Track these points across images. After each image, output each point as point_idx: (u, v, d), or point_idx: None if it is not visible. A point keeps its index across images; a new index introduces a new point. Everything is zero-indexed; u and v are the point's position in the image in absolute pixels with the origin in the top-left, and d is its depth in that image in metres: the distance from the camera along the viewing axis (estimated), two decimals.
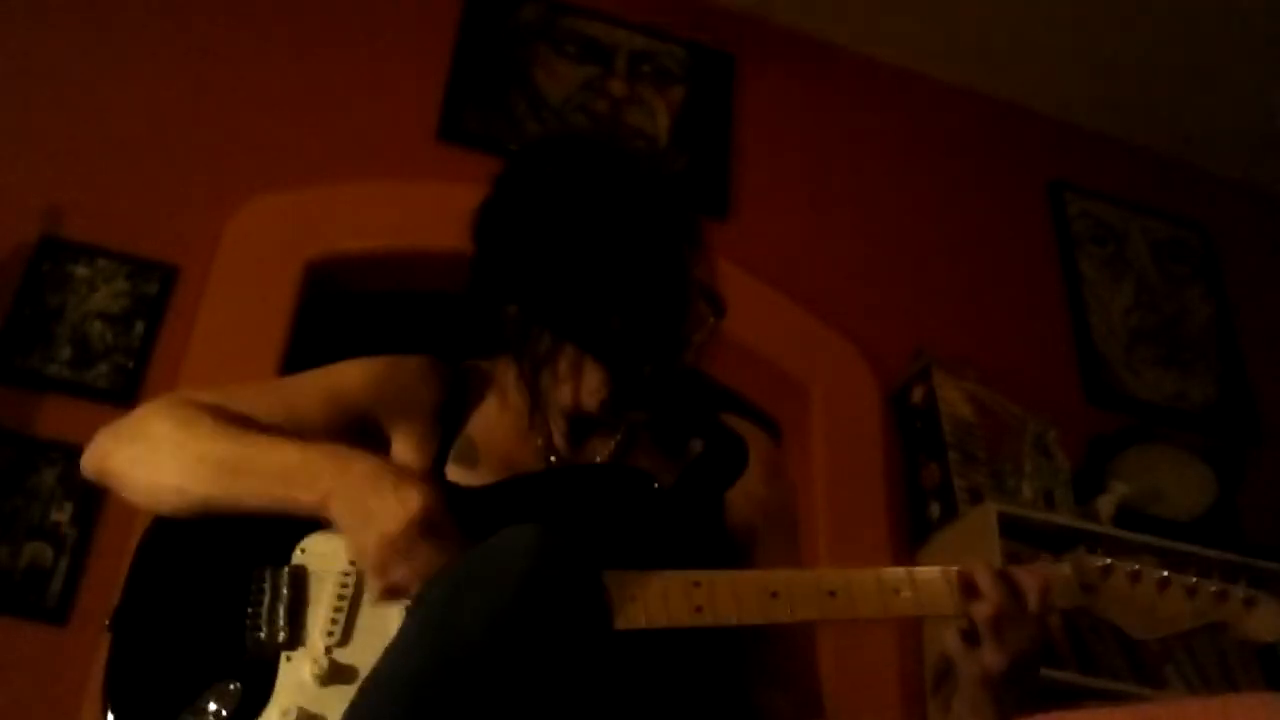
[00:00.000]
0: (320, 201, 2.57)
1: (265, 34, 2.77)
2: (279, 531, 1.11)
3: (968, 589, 1.09)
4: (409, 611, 1.02)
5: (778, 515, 1.31)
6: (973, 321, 3.04)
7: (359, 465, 1.09)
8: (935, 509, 2.59)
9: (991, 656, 1.07)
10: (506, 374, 1.28)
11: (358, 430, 1.22)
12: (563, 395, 1.21)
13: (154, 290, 2.33)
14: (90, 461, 1.20)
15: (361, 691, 0.96)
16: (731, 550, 1.23)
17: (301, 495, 1.08)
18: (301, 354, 2.43)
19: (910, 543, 2.63)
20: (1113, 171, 3.52)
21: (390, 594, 1.05)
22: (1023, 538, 2.48)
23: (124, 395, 2.22)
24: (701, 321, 1.22)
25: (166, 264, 2.37)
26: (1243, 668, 2.55)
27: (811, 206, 3.07)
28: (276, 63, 2.73)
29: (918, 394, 2.74)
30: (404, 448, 1.23)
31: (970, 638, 1.10)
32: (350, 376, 1.25)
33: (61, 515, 2.08)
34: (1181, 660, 2.50)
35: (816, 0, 3.26)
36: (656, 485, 1.18)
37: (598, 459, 1.25)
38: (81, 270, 2.31)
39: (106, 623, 1.09)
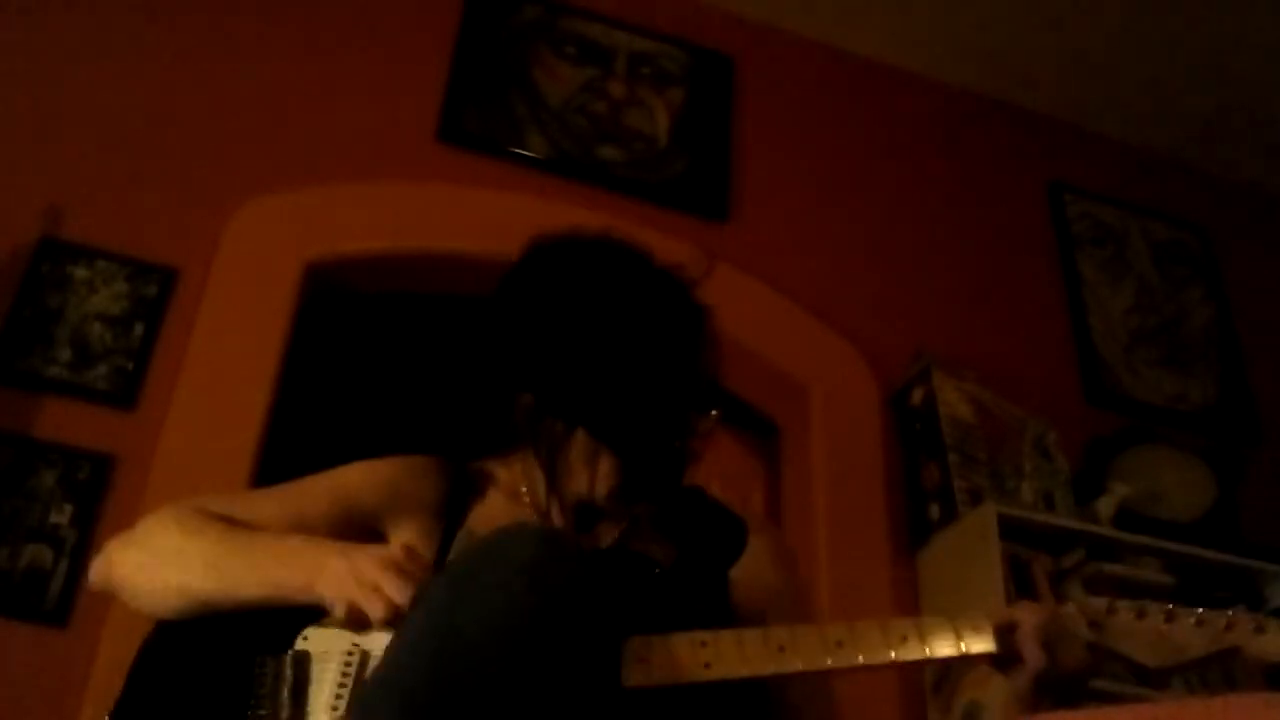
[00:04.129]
0: (320, 202, 2.57)
1: (264, 34, 2.77)
2: (281, 625, 1.12)
3: (1003, 630, 1.09)
4: (411, 609, 1.02)
5: (787, 603, 1.31)
6: (973, 322, 3.04)
7: (348, 545, 1.12)
8: (935, 510, 2.59)
9: (1039, 660, 1.07)
10: (511, 470, 1.31)
11: (361, 532, 1.24)
12: (573, 484, 1.25)
13: (153, 292, 2.33)
14: (98, 572, 1.22)
15: (365, 692, 0.95)
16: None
17: (293, 576, 1.10)
18: (301, 355, 2.43)
19: (910, 544, 2.63)
20: (1113, 172, 3.51)
21: (353, 623, 1.07)
22: (1022, 539, 2.48)
23: (123, 397, 2.22)
24: (706, 412, 1.28)
25: (166, 266, 2.36)
26: (1244, 670, 2.54)
27: (811, 207, 3.07)
28: (276, 63, 2.73)
29: (917, 395, 2.74)
30: None
31: (1003, 664, 1.10)
32: (354, 479, 1.27)
33: (61, 517, 2.08)
34: None
35: (815, 2, 3.26)
36: (658, 570, 1.18)
37: (601, 547, 1.27)
38: (81, 272, 2.31)
39: (106, 718, 1.09)
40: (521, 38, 2.98)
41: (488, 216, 2.62)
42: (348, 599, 1.06)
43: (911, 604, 2.53)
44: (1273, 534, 2.88)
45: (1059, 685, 1.08)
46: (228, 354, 2.30)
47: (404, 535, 1.24)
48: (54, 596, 2.02)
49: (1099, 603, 1.13)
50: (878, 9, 3.26)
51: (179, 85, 2.61)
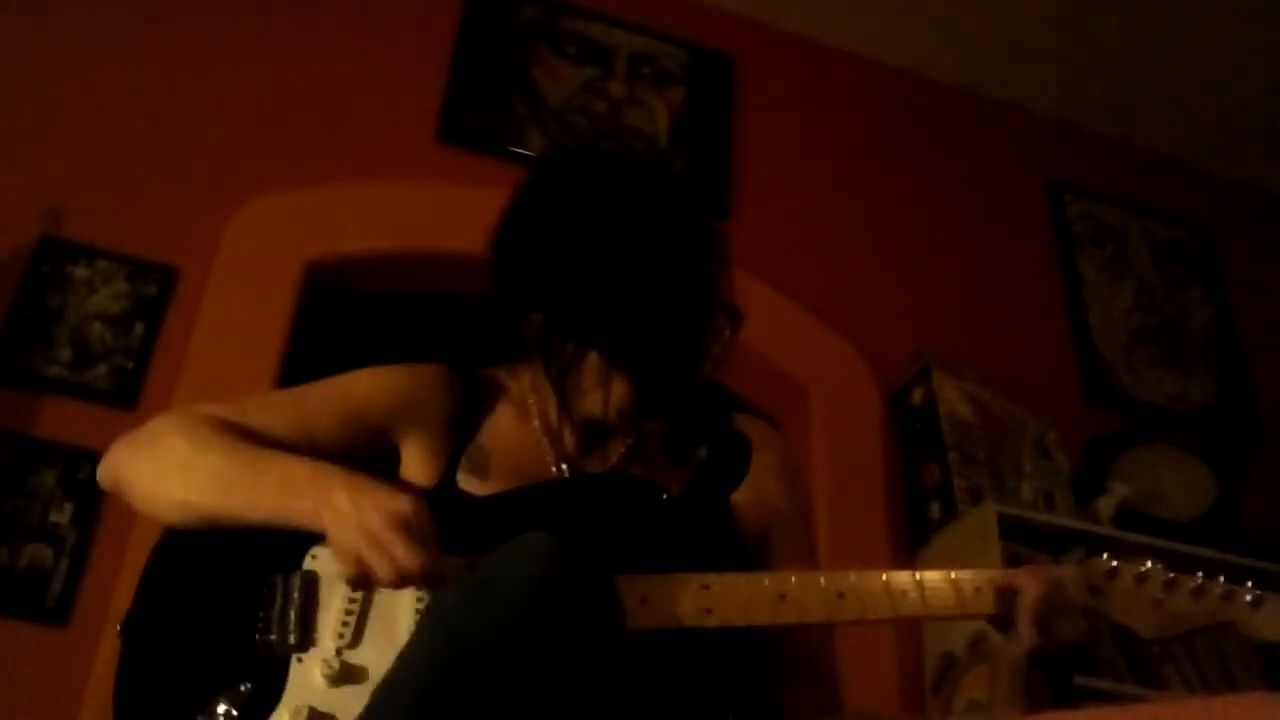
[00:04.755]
0: (320, 202, 2.57)
1: (265, 34, 2.77)
2: (291, 540, 1.11)
3: (1003, 593, 1.10)
4: (423, 617, 1.03)
5: (791, 518, 1.30)
6: (973, 322, 3.04)
7: (352, 477, 1.10)
8: (935, 510, 2.59)
9: (1033, 637, 1.08)
10: (520, 381, 1.30)
11: (371, 440, 1.22)
12: (585, 404, 1.23)
13: (153, 291, 2.33)
14: (105, 471, 1.21)
15: (373, 696, 0.96)
16: (744, 556, 1.22)
17: (296, 504, 1.09)
18: (301, 355, 2.43)
19: (910, 543, 2.63)
20: (1113, 172, 3.52)
21: (359, 583, 1.05)
22: (1022, 539, 2.48)
23: (123, 396, 2.22)
24: (720, 333, 1.25)
25: (166, 265, 2.37)
26: (1243, 668, 2.54)
27: (811, 207, 3.07)
28: (276, 63, 2.73)
29: (917, 395, 2.74)
30: (415, 457, 1.23)
31: (1001, 625, 1.10)
32: (363, 386, 1.25)
33: (61, 516, 2.08)
34: (1181, 661, 2.50)
35: (815, 2, 3.26)
36: (665, 495, 1.18)
37: (607, 465, 1.26)
38: (81, 271, 2.31)
39: (118, 628, 1.09)
40: (521, 38, 2.98)
41: (488, 216, 2.61)
42: (354, 554, 1.04)
43: None
44: (1273, 534, 2.88)
45: (1054, 656, 1.08)
46: (228, 354, 2.31)
47: (415, 445, 1.23)
48: (54, 596, 2.02)
49: (1101, 562, 1.13)
50: (877, 9, 3.26)
51: (179, 85, 2.61)
